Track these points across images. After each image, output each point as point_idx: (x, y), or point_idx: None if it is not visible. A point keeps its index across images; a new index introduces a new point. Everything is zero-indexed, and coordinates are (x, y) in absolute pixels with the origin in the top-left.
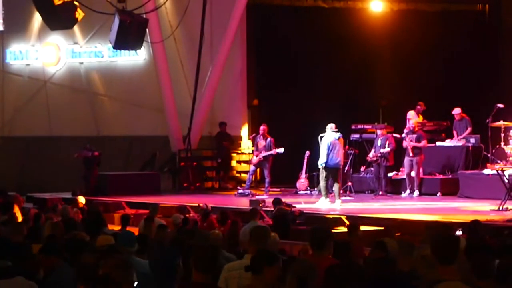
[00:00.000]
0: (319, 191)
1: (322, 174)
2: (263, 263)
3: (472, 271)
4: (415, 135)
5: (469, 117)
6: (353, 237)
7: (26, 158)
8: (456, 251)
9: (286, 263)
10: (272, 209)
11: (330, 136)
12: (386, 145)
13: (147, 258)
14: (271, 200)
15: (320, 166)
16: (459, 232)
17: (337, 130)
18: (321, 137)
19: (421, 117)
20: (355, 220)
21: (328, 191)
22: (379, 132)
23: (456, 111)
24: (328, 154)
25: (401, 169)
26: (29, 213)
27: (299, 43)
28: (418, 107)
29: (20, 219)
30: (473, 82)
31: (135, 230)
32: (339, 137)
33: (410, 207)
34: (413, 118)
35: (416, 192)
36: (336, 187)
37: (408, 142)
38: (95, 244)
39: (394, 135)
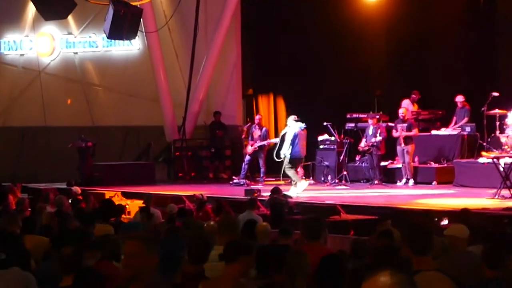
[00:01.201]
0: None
1: (288, 165)
2: (238, 252)
3: (483, 261)
4: (405, 124)
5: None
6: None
7: (20, 148)
8: (430, 241)
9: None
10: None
11: (295, 126)
12: (378, 134)
13: None
14: (266, 190)
15: (282, 156)
16: (445, 221)
17: (300, 120)
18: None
19: (416, 106)
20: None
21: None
22: (370, 121)
23: (459, 98)
24: (294, 145)
25: (396, 158)
26: (23, 203)
27: (293, 31)
28: (413, 95)
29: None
30: (468, 70)
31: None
32: (303, 128)
33: (405, 196)
34: (407, 107)
35: (412, 181)
36: (291, 173)
37: (400, 131)
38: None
39: (389, 124)
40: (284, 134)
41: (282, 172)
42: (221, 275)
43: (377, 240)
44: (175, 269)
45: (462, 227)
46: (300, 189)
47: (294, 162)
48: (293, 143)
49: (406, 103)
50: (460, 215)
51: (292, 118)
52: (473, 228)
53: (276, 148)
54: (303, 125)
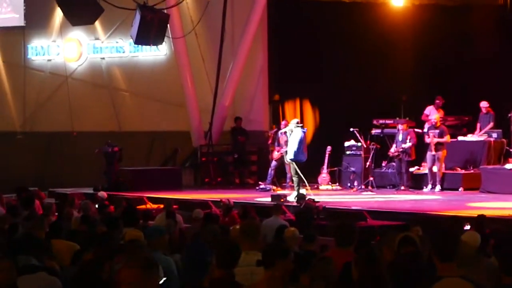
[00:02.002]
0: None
1: (295, 168)
2: (275, 257)
3: (500, 267)
4: (437, 130)
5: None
6: None
7: (47, 153)
8: (455, 247)
9: (304, 258)
10: (295, 204)
11: (298, 131)
12: (408, 140)
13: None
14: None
15: (289, 161)
16: (467, 227)
17: (302, 125)
18: (283, 133)
19: (441, 111)
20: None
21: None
22: (400, 127)
23: (483, 104)
24: (300, 150)
25: (422, 163)
26: (50, 208)
27: (320, 37)
28: (437, 101)
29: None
30: (495, 77)
31: None
32: (305, 131)
33: (432, 202)
34: (431, 113)
35: (438, 187)
36: (296, 179)
37: (432, 138)
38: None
39: (416, 130)
40: (284, 134)
41: (296, 176)
42: (261, 280)
43: (400, 246)
44: (201, 273)
45: (474, 234)
46: (293, 197)
47: (298, 165)
48: (299, 147)
49: (430, 109)
50: (476, 221)
51: (294, 122)
52: (488, 235)
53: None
54: (305, 129)
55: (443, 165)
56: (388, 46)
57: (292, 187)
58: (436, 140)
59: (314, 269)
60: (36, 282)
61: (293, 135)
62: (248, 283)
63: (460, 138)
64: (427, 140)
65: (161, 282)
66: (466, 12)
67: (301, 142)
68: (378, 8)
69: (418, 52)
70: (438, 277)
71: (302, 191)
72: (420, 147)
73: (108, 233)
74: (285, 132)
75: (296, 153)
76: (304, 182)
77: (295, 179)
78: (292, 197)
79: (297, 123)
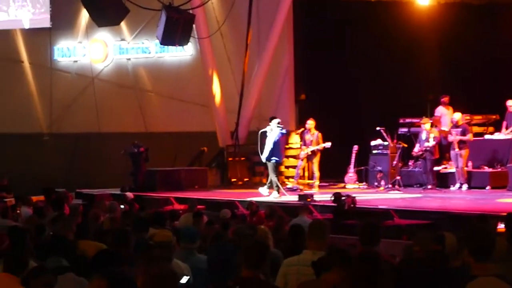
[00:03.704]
0: (269, 186)
1: (271, 168)
2: (333, 263)
3: None
4: (460, 129)
5: None
6: None
7: (74, 154)
8: (491, 246)
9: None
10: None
11: (276, 131)
12: (431, 139)
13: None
14: (319, 194)
15: (265, 161)
16: (501, 225)
17: (282, 126)
18: (263, 132)
19: (451, 108)
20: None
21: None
22: (423, 126)
23: (510, 102)
24: (276, 150)
25: (449, 162)
26: (77, 209)
27: (346, 36)
28: (443, 99)
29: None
30: None
31: None
32: (284, 133)
33: (459, 201)
34: (443, 113)
35: (465, 186)
36: (275, 179)
37: (454, 136)
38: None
39: (444, 128)
40: (263, 135)
41: (269, 178)
42: (317, 280)
43: (427, 245)
44: (227, 273)
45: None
46: (274, 196)
47: (277, 167)
48: (275, 148)
49: (439, 110)
50: (507, 220)
51: (275, 121)
52: None
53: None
54: (284, 130)
55: (468, 164)
56: (414, 45)
57: (318, 187)
58: (459, 138)
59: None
60: (65, 283)
61: (270, 135)
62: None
63: (487, 136)
64: (450, 138)
65: (184, 280)
66: (492, 10)
67: (277, 143)
68: (403, 7)
69: (444, 51)
70: (472, 276)
71: (275, 193)
72: (446, 146)
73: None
74: (311, 131)
75: (271, 154)
76: (276, 185)
77: (273, 179)
78: (262, 191)
79: (278, 123)
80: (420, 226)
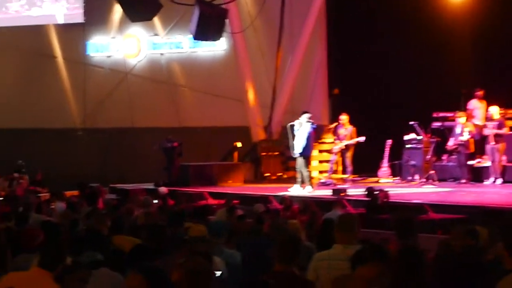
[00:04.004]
0: (301, 182)
1: (303, 163)
2: (369, 257)
3: None
4: (496, 123)
5: None
6: None
7: (108, 149)
8: None
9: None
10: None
11: (308, 126)
12: (465, 133)
13: (238, 249)
14: (352, 189)
15: (297, 155)
16: None
17: (312, 121)
18: (291, 126)
19: (485, 102)
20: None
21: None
22: (458, 120)
23: None
24: (308, 144)
25: (483, 156)
26: (111, 204)
27: (378, 30)
28: (477, 93)
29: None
30: None
31: None
32: (315, 127)
33: (493, 195)
34: (476, 106)
35: (500, 180)
36: (307, 173)
37: (491, 130)
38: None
39: (477, 122)
40: (291, 128)
41: (299, 170)
42: (351, 275)
43: (462, 240)
44: (261, 268)
45: None
46: (308, 191)
47: (308, 160)
48: (307, 143)
49: (473, 103)
50: None
51: (306, 116)
52: None
53: (290, 143)
54: (314, 125)
55: (504, 158)
56: (448, 38)
57: (352, 181)
58: (495, 132)
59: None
60: (100, 278)
61: (301, 129)
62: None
63: None
64: (486, 132)
65: (217, 275)
66: None
67: (308, 137)
68: None
69: (478, 43)
70: (507, 270)
71: (308, 188)
72: (481, 140)
73: (168, 228)
74: (344, 126)
75: (304, 148)
76: (309, 179)
77: (304, 173)
78: (297, 190)
79: (309, 118)
80: (454, 221)
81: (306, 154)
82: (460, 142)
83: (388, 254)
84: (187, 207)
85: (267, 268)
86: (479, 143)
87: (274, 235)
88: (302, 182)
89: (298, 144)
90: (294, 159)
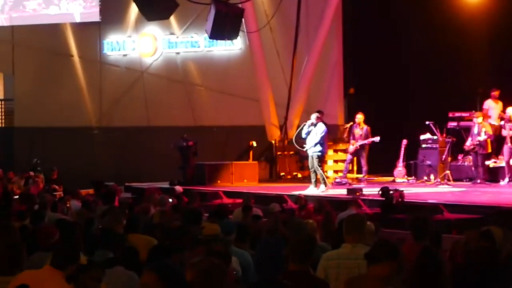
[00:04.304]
0: (315, 180)
1: (319, 163)
2: (383, 255)
3: None
4: None
5: None
6: None
7: (123, 148)
8: None
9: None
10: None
11: (322, 125)
12: (482, 133)
13: (253, 248)
14: (368, 188)
15: (315, 155)
16: None
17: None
18: (305, 125)
19: (500, 103)
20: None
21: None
22: (475, 120)
23: None
24: (323, 144)
25: (499, 157)
26: (127, 203)
27: (395, 30)
28: (493, 93)
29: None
30: None
31: None
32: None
33: (509, 195)
34: (491, 106)
35: None
36: (320, 171)
37: (508, 131)
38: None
39: (492, 122)
40: (304, 126)
41: (311, 168)
42: (364, 275)
43: (477, 241)
44: (276, 267)
45: None
46: (321, 190)
47: (322, 160)
48: (322, 141)
49: (488, 103)
50: None
51: (315, 115)
52: None
53: (296, 135)
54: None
55: None
56: (464, 38)
57: (367, 181)
58: None
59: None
60: (114, 277)
61: (316, 129)
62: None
63: None
64: (504, 133)
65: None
66: None
67: (324, 137)
68: None
69: (494, 43)
70: None
71: (322, 187)
72: (498, 140)
73: (183, 226)
74: (360, 125)
75: (317, 147)
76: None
77: (319, 172)
78: (310, 191)
79: (318, 117)
80: (470, 221)
81: (321, 153)
82: (477, 142)
83: (400, 252)
84: (201, 206)
85: (282, 268)
86: (495, 143)
87: (289, 235)
88: (317, 182)
89: (312, 143)
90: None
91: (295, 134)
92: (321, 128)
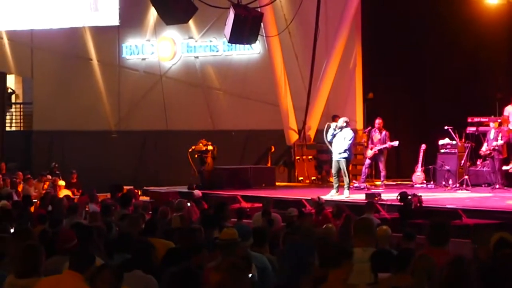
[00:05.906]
0: (338, 185)
1: (344, 167)
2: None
3: None
4: None
5: None
6: None
7: (142, 152)
8: None
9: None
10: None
11: (349, 131)
12: (499, 138)
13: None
14: (386, 193)
15: (343, 160)
16: None
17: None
18: (329, 127)
19: None
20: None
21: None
22: (492, 125)
23: None
24: (350, 149)
25: None
26: (145, 206)
27: (414, 34)
28: None
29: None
30: None
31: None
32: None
33: None
34: (510, 112)
35: None
36: (347, 178)
37: None
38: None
39: (510, 127)
40: (329, 129)
41: (335, 173)
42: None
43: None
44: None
45: None
46: (346, 196)
47: (348, 165)
48: (350, 146)
49: (508, 109)
50: None
51: (342, 120)
52: None
53: (326, 132)
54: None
55: None
56: (483, 43)
57: (385, 185)
58: None
59: (414, 266)
60: (132, 280)
61: (343, 134)
62: (367, 280)
63: None
64: None
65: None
66: None
67: (351, 141)
68: (472, 4)
69: None
70: None
71: (346, 192)
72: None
73: (200, 230)
74: (379, 130)
75: (345, 152)
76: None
77: (346, 178)
78: (331, 195)
79: (346, 122)
80: (489, 226)
81: (348, 158)
82: (494, 147)
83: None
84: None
85: (302, 272)
86: (511, 148)
87: (306, 240)
88: (339, 187)
89: (341, 149)
90: (327, 162)
91: (324, 132)
92: (349, 134)
